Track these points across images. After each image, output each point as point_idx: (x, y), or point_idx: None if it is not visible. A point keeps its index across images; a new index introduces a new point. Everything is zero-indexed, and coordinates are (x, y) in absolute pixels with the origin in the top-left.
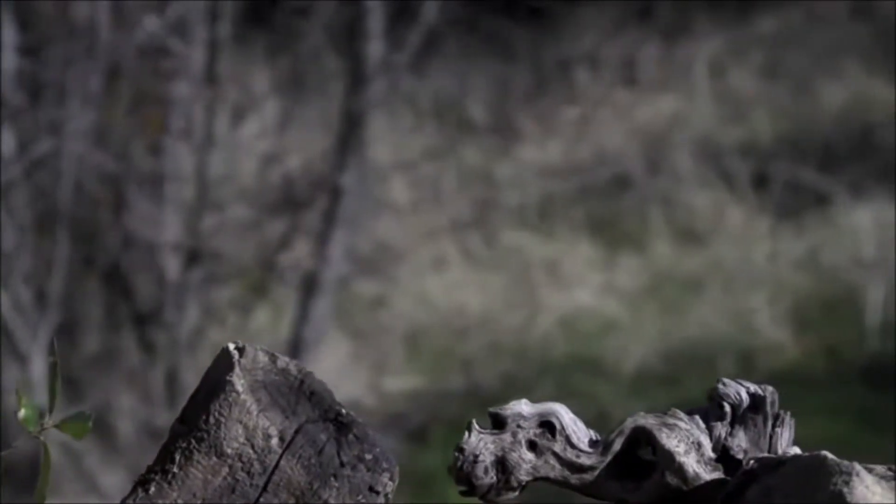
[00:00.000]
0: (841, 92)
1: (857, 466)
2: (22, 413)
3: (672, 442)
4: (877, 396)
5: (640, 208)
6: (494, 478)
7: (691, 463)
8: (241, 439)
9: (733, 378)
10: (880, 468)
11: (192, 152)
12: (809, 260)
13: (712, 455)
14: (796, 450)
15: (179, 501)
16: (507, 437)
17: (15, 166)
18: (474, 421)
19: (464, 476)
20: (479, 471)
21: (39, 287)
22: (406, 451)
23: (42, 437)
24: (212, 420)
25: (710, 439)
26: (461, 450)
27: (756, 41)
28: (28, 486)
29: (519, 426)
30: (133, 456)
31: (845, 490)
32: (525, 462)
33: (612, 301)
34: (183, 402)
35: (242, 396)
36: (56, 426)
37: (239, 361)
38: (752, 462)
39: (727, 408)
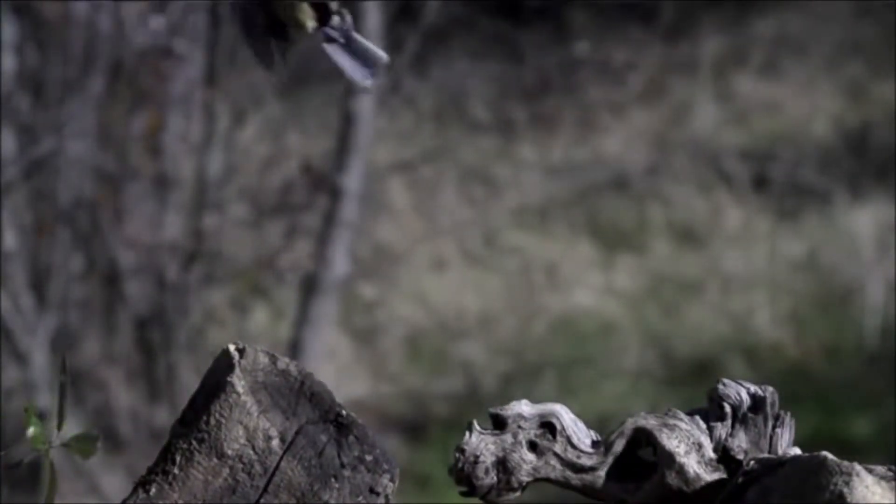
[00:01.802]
0: (841, 92)
1: (857, 467)
2: (31, 431)
3: (673, 443)
4: (876, 396)
5: (639, 209)
6: (495, 478)
7: (692, 464)
8: (242, 440)
9: (733, 378)
10: (880, 468)
11: (191, 152)
12: (809, 260)
13: (713, 456)
14: (796, 450)
15: (180, 502)
16: (507, 437)
17: (15, 166)
18: (475, 421)
19: (464, 476)
20: (480, 471)
21: (39, 287)
22: (405, 451)
23: (47, 453)
24: (212, 421)
25: (711, 440)
26: (462, 450)
27: (756, 42)
28: (28, 485)
29: (520, 427)
30: (133, 456)
31: (845, 490)
32: (526, 463)
33: (612, 302)
34: (183, 402)
35: (243, 398)
36: (64, 445)
37: (239, 362)
38: (752, 463)
39: (727, 408)
